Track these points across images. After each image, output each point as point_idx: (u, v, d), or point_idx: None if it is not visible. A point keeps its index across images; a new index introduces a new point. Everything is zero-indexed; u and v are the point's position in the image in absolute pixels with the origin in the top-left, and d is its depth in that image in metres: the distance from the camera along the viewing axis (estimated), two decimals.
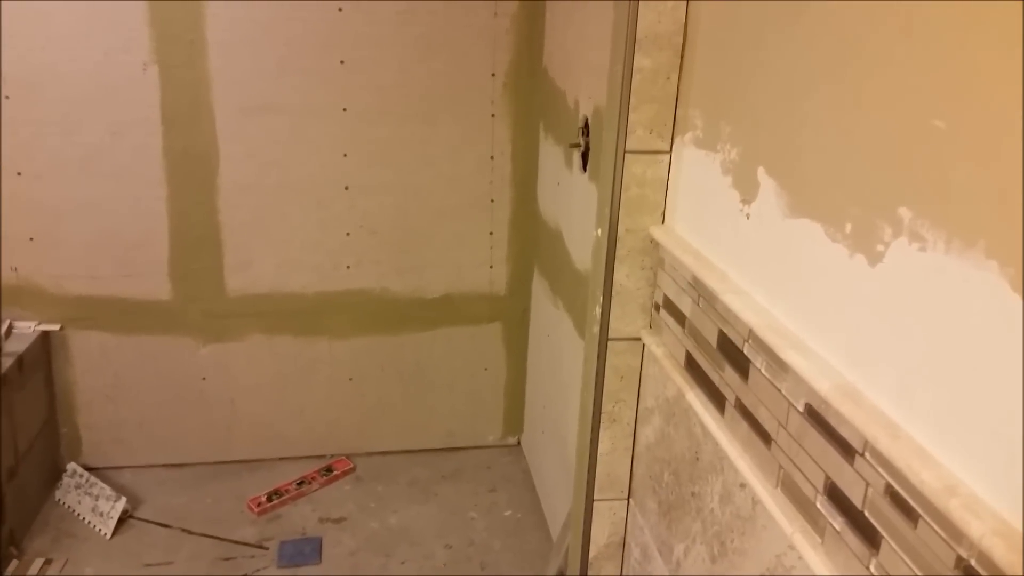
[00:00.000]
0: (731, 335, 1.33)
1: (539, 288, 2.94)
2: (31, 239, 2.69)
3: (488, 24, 2.72)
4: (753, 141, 1.27)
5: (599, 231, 1.72)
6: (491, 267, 3.02)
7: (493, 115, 2.83)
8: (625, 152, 1.57)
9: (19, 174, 2.61)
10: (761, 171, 1.24)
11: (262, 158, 2.73)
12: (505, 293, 3.07)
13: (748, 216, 1.29)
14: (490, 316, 3.10)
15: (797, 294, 1.16)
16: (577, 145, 2.26)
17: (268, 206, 2.79)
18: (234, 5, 2.55)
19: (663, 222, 1.64)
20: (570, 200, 2.44)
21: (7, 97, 2.53)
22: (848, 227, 1.01)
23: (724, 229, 1.38)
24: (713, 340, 1.41)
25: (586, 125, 2.21)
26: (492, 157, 2.88)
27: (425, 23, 2.68)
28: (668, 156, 1.59)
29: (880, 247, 0.95)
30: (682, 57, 1.52)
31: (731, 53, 1.35)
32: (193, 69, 2.60)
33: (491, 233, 2.98)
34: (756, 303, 1.26)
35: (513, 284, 3.06)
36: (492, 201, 2.94)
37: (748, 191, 1.28)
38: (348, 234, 2.88)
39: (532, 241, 2.99)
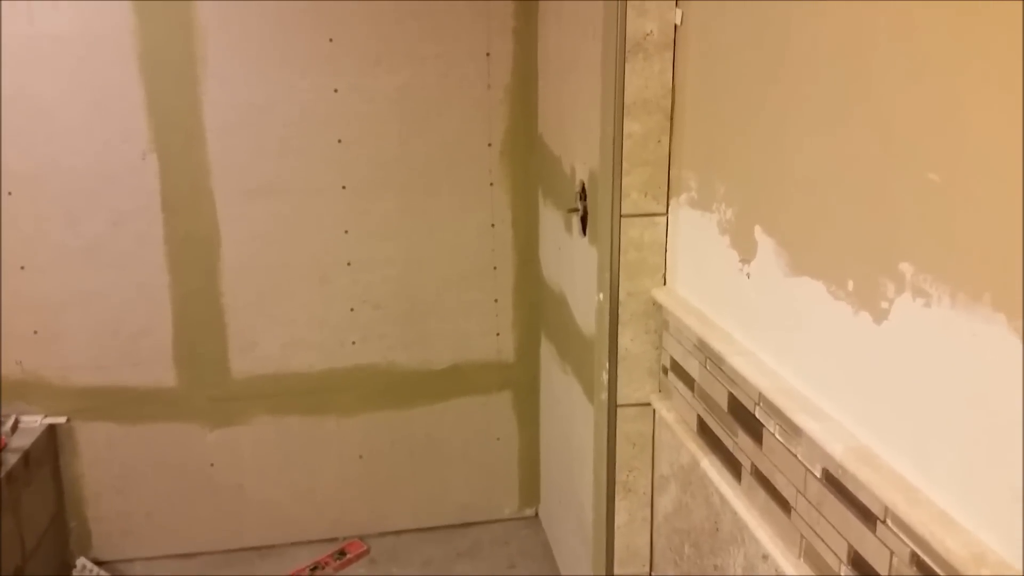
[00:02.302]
0: (741, 398, 1.30)
1: (547, 353, 2.91)
2: (35, 332, 2.68)
3: (482, 96, 2.74)
4: (748, 199, 1.25)
5: (600, 296, 1.70)
6: (498, 335, 2.99)
7: (492, 184, 2.83)
8: (621, 216, 1.56)
9: (22, 268, 2.62)
10: (758, 230, 1.22)
11: (263, 239, 2.73)
12: (513, 360, 3.03)
13: (748, 276, 1.26)
14: (500, 384, 3.05)
15: (804, 354, 1.12)
16: (575, 210, 2.26)
17: (271, 286, 2.78)
18: (230, 91, 2.59)
19: (664, 284, 1.62)
20: (572, 264, 2.43)
21: (9, 193, 2.55)
22: (850, 284, 0.98)
23: (726, 289, 1.35)
24: (724, 403, 1.37)
25: (583, 190, 2.21)
26: (493, 225, 2.88)
27: (420, 99, 2.71)
28: (665, 218, 1.57)
29: (884, 304, 0.92)
30: (672, 119, 1.52)
31: (721, 113, 1.34)
32: (192, 155, 2.62)
33: (496, 300, 2.95)
34: (764, 364, 1.23)
35: (521, 351, 3.02)
36: (495, 268, 2.92)
37: (747, 250, 1.26)
38: (352, 309, 2.86)
39: (537, 306, 2.97)
